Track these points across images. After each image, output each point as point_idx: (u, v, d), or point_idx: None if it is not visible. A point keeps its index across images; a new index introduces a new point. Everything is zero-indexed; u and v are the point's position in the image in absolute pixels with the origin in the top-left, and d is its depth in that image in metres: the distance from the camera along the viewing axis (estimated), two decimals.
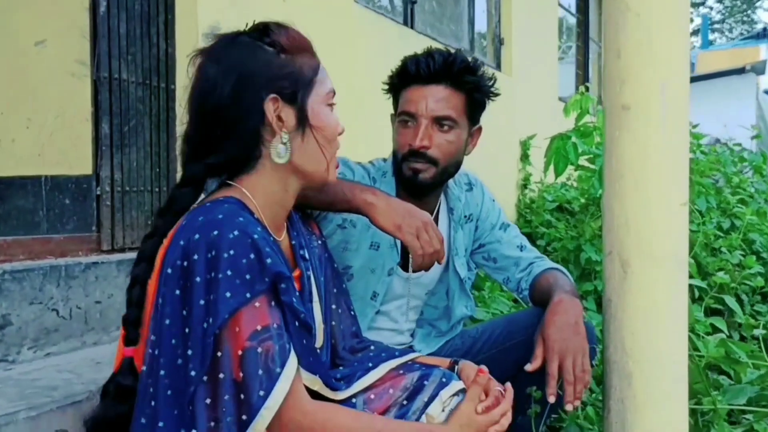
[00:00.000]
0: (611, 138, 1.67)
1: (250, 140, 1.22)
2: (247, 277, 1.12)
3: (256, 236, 1.14)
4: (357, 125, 2.74)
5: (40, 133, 2.40)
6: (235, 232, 1.12)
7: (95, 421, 1.17)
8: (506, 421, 1.28)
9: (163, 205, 1.24)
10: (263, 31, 1.24)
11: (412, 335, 1.87)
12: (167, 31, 2.26)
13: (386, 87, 1.76)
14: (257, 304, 1.12)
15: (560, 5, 6.59)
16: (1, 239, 1.89)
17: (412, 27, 3.85)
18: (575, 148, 3.90)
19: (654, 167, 1.63)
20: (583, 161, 4.08)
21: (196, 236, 1.12)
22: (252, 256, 1.13)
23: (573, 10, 7.22)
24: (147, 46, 2.22)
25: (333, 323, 1.41)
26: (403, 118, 1.69)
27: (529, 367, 1.53)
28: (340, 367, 1.39)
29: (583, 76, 7.74)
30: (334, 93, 1.31)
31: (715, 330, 2.28)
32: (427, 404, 1.29)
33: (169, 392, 1.11)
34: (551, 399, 1.49)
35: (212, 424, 1.10)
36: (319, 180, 1.30)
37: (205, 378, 1.10)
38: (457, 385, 1.32)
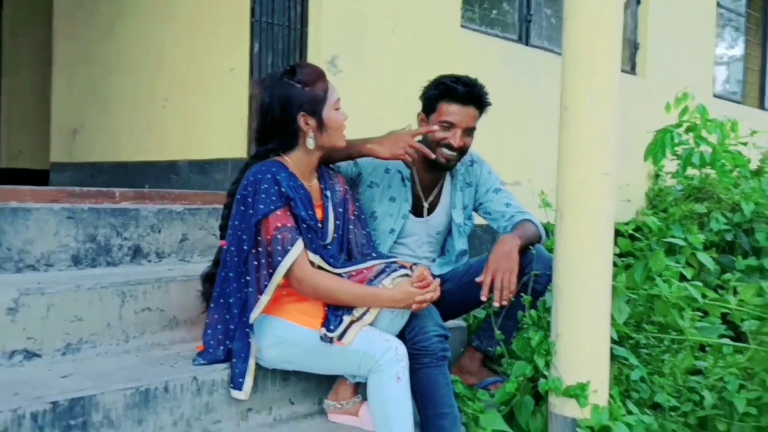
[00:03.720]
0: (559, 130, 2.43)
1: (291, 137, 2.18)
2: (273, 198, 2.08)
3: (278, 177, 2.10)
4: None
5: (229, 132, 3.59)
6: (268, 176, 2.10)
7: (205, 274, 2.24)
8: (428, 295, 2.15)
9: (243, 166, 2.25)
10: (293, 72, 2.17)
11: (433, 261, 2.75)
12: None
13: (424, 94, 2.61)
14: (278, 212, 2.08)
15: (720, 5, 6.79)
16: (187, 191, 3.06)
17: (526, 43, 4.57)
18: (672, 139, 4.41)
19: (581, 149, 2.36)
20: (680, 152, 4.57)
21: (251, 178, 2.11)
22: (276, 187, 2.09)
23: (742, 9, 7.32)
24: None
25: (350, 236, 2.32)
26: (444, 124, 2.54)
27: (477, 279, 2.37)
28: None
29: (761, 73, 7.77)
30: (339, 99, 2.22)
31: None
32: (384, 279, 2.17)
33: (236, 259, 2.11)
34: (483, 298, 2.33)
35: (257, 274, 2.09)
36: (332, 149, 2.26)
37: (253, 250, 2.09)
38: (403, 270, 2.19)
